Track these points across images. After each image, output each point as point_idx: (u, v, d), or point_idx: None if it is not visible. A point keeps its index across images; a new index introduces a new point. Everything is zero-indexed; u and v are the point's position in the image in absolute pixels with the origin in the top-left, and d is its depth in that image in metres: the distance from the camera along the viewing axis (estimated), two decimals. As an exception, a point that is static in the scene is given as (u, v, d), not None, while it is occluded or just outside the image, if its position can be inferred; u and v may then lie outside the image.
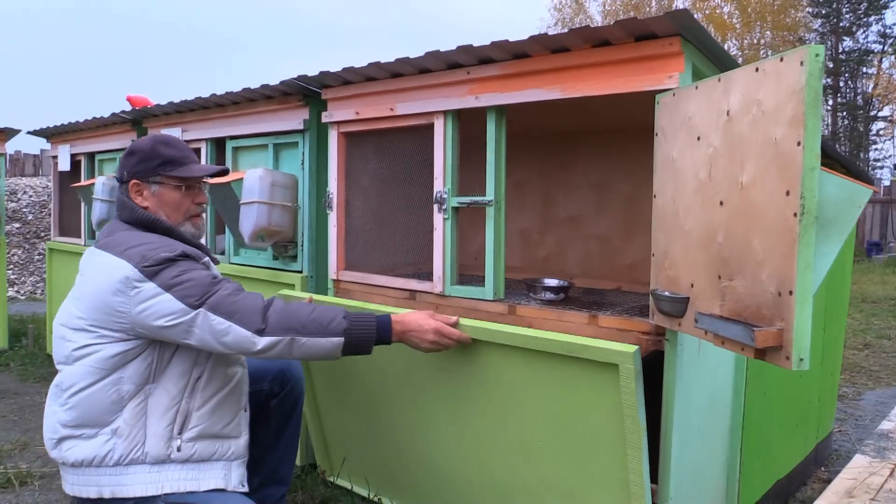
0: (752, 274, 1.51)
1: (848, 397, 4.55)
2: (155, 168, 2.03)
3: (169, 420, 1.88)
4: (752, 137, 1.51)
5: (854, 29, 23.73)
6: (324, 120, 2.84)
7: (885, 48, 23.47)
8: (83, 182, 4.61)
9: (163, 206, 2.04)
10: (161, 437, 1.87)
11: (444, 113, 2.42)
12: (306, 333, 1.86)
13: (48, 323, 5.30)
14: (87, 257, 1.99)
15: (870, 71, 24.13)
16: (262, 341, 1.82)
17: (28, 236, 9.19)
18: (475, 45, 2.20)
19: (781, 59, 1.43)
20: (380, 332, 1.97)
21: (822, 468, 3.33)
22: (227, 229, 3.36)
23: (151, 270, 1.81)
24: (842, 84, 24.14)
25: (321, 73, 2.71)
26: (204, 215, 2.21)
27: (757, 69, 1.50)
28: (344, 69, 2.61)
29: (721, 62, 2.09)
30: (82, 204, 4.73)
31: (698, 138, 1.71)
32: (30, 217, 9.35)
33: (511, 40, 2.12)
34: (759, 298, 1.49)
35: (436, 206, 2.45)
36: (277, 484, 2.40)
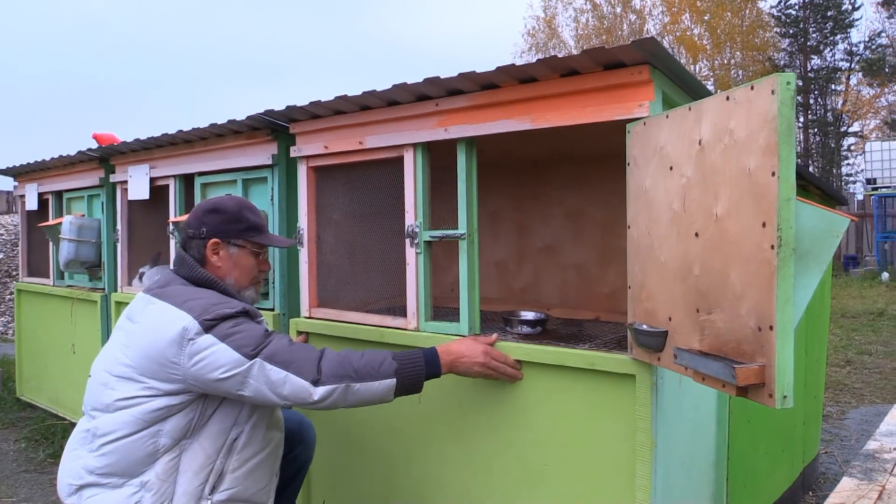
0: (731, 308, 1.46)
1: (832, 417, 4.52)
2: (240, 232, 2.07)
3: (202, 479, 1.84)
4: (725, 167, 1.47)
5: (821, 47, 24.20)
6: (292, 154, 2.78)
7: (852, 65, 23.94)
8: (51, 221, 4.51)
9: (236, 268, 2.07)
10: (191, 496, 1.83)
11: (414, 146, 2.37)
12: (359, 379, 1.86)
13: (18, 366, 5.15)
14: (139, 304, 1.97)
15: (838, 88, 24.58)
16: (319, 391, 1.81)
17: (-1, 275, 9.00)
18: (443, 76, 2.16)
19: (752, 88, 1.39)
20: (429, 367, 1.95)
21: (810, 493, 3.28)
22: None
23: (210, 324, 1.81)
24: (812, 101, 24.55)
25: (288, 107, 2.65)
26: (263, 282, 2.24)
27: (728, 98, 1.47)
28: (311, 103, 2.56)
29: (692, 89, 2.07)
30: (50, 243, 4.62)
31: (671, 168, 1.67)
32: (0, 255, 9.16)
33: (479, 71, 2.08)
34: (738, 333, 1.44)
35: (407, 241, 2.40)
36: None
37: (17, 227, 9.64)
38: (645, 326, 1.78)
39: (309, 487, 2.79)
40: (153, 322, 1.88)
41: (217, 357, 1.78)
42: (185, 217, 2.97)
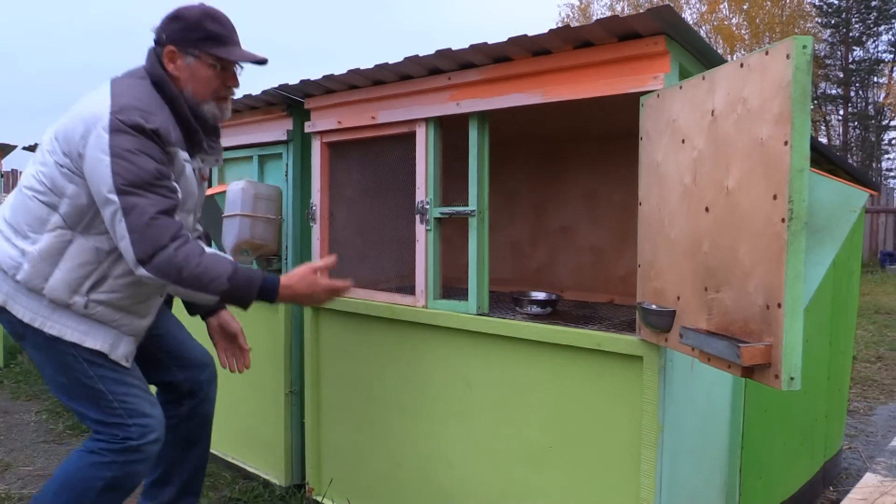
0: (739, 285, 1.40)
1: (859, 412, 4.40)
2: (196, 41, 1.96)
3: (83, 273, 1.87)
4: (738, 138, 1.41)
5: (864, 39, 23.54)
6: (307, 130, 2.76)
7: (896, 57, 23.27)
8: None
9: (193, 80, 1.97)
10: (68, 285, 1.86)
11: (426, 120, 2.33)
12: (184, 285, 1.82)
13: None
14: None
15: (881, 80, 23.91)
16: (140, 270, 1.79)
17: (31, 253, 9.16)
18: (454, 48, 2.11)
19: (767, 53, 1.32)
20: (262, 296, 1.94)
21: (831, 488, 3.19)
22: (212, 242, 3.28)
23: (118, 125, 1.77)
24: (852, 94, 23.93)
25: (302, 81, 2.62)
26: (231, 99, 2.12)
27: (742, 65, 1.40)
28: (324, 77, 2.53)
29: (710, 62, 1.99)
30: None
31: (683, 141, 1.61)
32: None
33: (490, 43, 2.03)
34: (746, 312, 1.38)
35: (417, 217, 2.36)
36: (190, 496, 2.35)
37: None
38: (654, 306, 1.72)
39: (319, 465, 2.78)
40: (86, 98, 1.89)
41: (101, 167, 1.76)
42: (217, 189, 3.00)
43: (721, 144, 1.46)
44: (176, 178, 1.92)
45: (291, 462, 2.93)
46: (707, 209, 1.51)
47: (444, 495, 2.33)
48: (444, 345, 2.31)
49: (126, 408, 1.93)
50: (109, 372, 1.94)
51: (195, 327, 2.39)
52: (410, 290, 2.46)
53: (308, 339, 2.77)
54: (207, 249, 1.88)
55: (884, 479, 2.70)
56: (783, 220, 1.27)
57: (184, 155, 1.94)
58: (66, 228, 1.86)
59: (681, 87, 1.62)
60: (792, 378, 1.28)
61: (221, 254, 1.92)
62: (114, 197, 1.75)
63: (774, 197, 1.29)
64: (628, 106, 1.95)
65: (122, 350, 1.97)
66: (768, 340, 1.31)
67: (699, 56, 1.94)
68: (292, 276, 2.00)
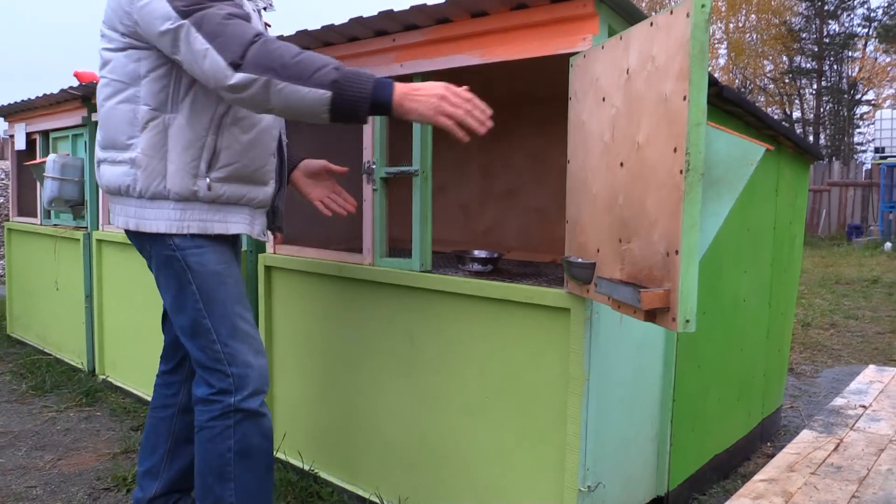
0: (646, 235, 1.48)
1: (805, 375, 4.56)
2: None
3: (193, 155, 1.79)
4: (647, 94, 1.48)
5: (839, 12, 23.71)
6: (259, 91, 2.78)
7: (870, 32, 23.46)
8: (36, 160, 4.54)
9: None
10: (185, 173, 1.79)
11: (372, 81, 2.37)
12: (286, 77, 1.59)
13: (8, 303, 5.24)
14: None
15: (854, 55, 24.13)
16: (236, 77, 1.60)
17: (-1, 219, 9.08)
18: (397, 10, 2.16)
19: (671, 12, 1.39)
20: (378, 90, 1.64)
21: (769, 443, 3.33)
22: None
23: None
24: (826, 68, 24.14)
25: (253, 42, 2.65)
26: None
27: (651, 24, 1.47)
28: (274, 38, 2.56)
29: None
30: (38, 183, 4.66)
31: (604, 99, 1.67)
32: (0, 200, 9.24)
33: (431, 4, 2.07)
34: (651, 260, 1.46)
35: (364, 177, 2.41)
36: (176, 493, 2.25)
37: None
38: (578, 259, 1.80)
39: (274, 421, 2.85)
40: None
41: (155, 5, 1.65)
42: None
43: (634, 101, 1.53)
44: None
45: (247, 418, 3.00)
46: (622, 164, 1.58)
47: (388, 446, 2.42)
48: (389, 301, 2.39)
49: (228, 352, 1.84)
50: (218, 307, 1.84)
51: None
52: (360, 250, 2.53)
53: (261, 297, 2.84)
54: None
55: (818, 436, 2.84)
56: (681, 172, 1.35)
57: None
58: (157, 117, 1.78)
59: (603, 48, 1.68)
60: (687, 321, 1.37)
61: None
62: (178, 22, 1.62)
63: (675, 150, 1.37)
64: (566, 68, 2.02)
65: (258, 226, 1.96)
66: (667, 286, 1.39)
67: (628, 18, 1.99)
68: (421, 87, 1.68)
